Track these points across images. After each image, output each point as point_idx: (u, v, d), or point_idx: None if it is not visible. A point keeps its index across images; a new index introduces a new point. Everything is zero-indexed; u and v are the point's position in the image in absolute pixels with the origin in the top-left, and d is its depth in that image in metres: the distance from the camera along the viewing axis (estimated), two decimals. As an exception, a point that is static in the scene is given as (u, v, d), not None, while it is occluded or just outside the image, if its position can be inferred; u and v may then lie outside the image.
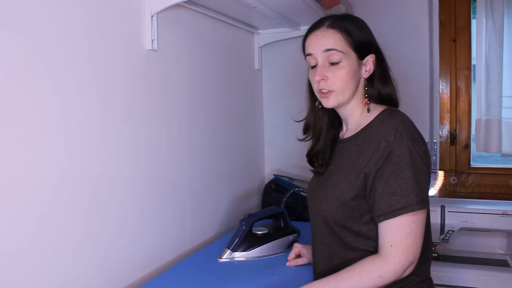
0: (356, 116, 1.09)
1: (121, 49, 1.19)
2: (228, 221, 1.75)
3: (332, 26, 1.04)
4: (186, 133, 1.49)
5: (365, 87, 1.08)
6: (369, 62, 1.06)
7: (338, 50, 1.02)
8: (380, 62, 1.08)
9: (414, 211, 0.95)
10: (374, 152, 0.98)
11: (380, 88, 1.08)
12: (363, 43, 1.05)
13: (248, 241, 1.37)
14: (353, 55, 1.04)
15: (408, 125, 1.01)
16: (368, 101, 1.07)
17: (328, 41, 1.03)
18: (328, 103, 1.07)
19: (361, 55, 1.05)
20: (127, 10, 1.21)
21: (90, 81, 1.08)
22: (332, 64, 1.03)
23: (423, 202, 0.96)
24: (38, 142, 0.95)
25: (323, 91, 1.05)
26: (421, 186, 0.96)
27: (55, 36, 0.99)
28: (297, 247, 1.33)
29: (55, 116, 0.99)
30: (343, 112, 1.11)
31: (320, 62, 1.05)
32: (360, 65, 1.06)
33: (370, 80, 1.08)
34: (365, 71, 1.07)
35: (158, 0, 1.26)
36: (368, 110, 1.07)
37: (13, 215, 0.90)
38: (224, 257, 1.35)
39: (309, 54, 1.06)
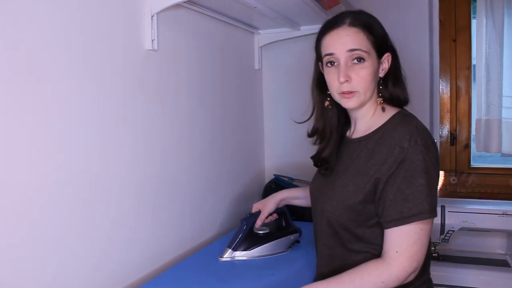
0: (368, 117, 1.07)
1: (121, 49, 1.19)
2: (228, 221, 1.75)
3: (354, 24, 1.00)
4: (186, 133, 1.49)
5: (379, 86, 1.05)
6: (386, 60, 1.04)
7: (362, 50, 0.99)
8: (394, 60, 1.06)
9: (425, 219, 0.94)
10: (387, 158, 0.96)
11: (392, 89, 1.05)
12: (382, 41, 1.03)
13: (249, 240, 1.37)
14: (374, 54, 1.01)
15: (422, 131, 0.99)
16: (382, 101, 1.05)
17: (352, 41, 0.99)
18: (349, 104, 1.03)
19: (380, 54, 1.02)
20: (127, 10, 1.21)
21: (90, 81, 1.08)
22: (355, 63, 0.99)
23: (434, 210, 0.95)
24: (36, 141, 0.95)
25: (346, 91, 1.01)
26: (433, 194, 0.95)
27: (55, 35, 0.98)
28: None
29: (54, 116, 0.99)
30: (356, 113, 1.08)
31: (342, 61, 1.00)
32: (379, 64, 1.03)
33: (383, 80, 1.05)
34: (382, 70, 1.04)
35: (158, 0, 1.26)
36: (383, 110, 1.05)
37: (11, 215, 0.90)
38: (225, 256, 1.35)
39: (330, 54, 1.01)
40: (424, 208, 0.93)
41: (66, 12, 1.01)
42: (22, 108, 0.91)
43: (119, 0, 1.18)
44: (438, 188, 1.90)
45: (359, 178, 1.01)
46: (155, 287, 1.17)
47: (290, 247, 1.44)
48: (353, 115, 1.10)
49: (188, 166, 1.50)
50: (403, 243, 0.94)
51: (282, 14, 1.69)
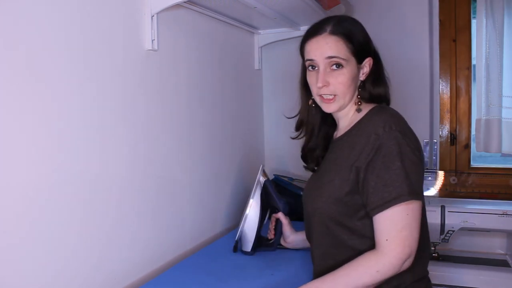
0: (349, 116, 1.11)
1: (121, 49, 1.19)
2: (228, 221, 1.75)
3: (334, 32, 1.04)
4: (186, 133, 1.49)
5: (358, 88, 1.09)
6: (367, 65, 1.08)
7: (340, 58, 1.03)
8: (375, 64, 1.10)
9: (405, 201, 0.95)
10: (365, 146, 0.99)
11: (371, 89, 1.09)
12: (362, 48, 1.06)
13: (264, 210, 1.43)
14: (353, 61, 1.05)
15: (397, 118, 1.02)
16: (360, 102, 1.09)
17: (331, 49, 1.03)
18: (329, 108, 1.08)
19: (359, 60, 1.07)
20: (127, 10, 1.21)
21: (90, 81, 1.08)
22: (334, 69, 1.04)
23: (414, 193, 0.96)
24: (36, 141, 0.95)
25: (326, 97, 1.06)
26: (412, 177, 0.96)
27: (55, 35, 0.99)
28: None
29: (54, 116, 0.99)
30: (337, 114, 1.13)
31: (321, 68, 1.05)
32: (358, 69, 1.07)
33: (363, 82, 1.10)
34: (362, 74, 1.09)
35: (158, 0, 1.26)
36: (359, 111, 1.08)
37: (11, 215, 0.90)
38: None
39: (310, 60, 1.07)
40: (403, 191, 0.95)
41: (66, 12, 1.01)
42: (22, 108, 0.91)
43: (119, 0, 1.18)
44: (438, 188, 1.92)
45: (343, 171, 1.03)
46: (155, 287, 1.17)
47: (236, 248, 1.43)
48: (336, 117, 1.15)
49: (188, 166, 1.50)
50: (392, 230, 0.95)
51: (282, 14, 1.69)
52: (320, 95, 1.07)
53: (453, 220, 1.70)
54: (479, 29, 1.86)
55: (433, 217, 1.67)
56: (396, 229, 0.95)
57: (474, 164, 2.01)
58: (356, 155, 1.01)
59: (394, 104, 1.14)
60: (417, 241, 0.97)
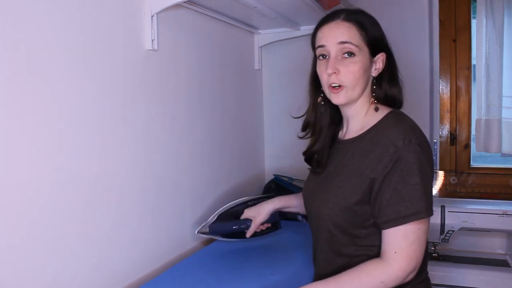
0: (361, 116, 1.07)
1: (121, 49, 1.19)
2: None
3: (347, 19, 1.02)
4: (186, 133, 1.49)
5: (372, 85, 1.06)
6: (380, 60, 1.05)
7: (353, 44, 1.00)
8: (390, 61, 1.07)
9: (422, 218, 0.94)
10: (382, 157, 0.96)
11: (387, 89, 1.06)
12: (376, 39, 1.04)
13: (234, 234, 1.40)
14: (366, 51, 1.02)
15: (416, 130, 1.00)
16: (375, 100, 1.06)
17: (343, 34, 1.01)
18: (338, 99, 1.04)
19: (373, 52, 1.03)
20: (127, 10, 1.21)
21: (90, 81, 1.08)
22: (345, 57, 1.01)
23: (430, 209, 0.95)
24: (36, 141, 0.95)
25: (334, 85, 1.02)
26: (428, 193, 0.95)
27: (55, 35, 0.99)
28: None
29: (54, 116, 0.99)
30: (348, 111, 1.09)
31: (332, 54, 1.01)
32: (371, 62, 1.04)
33: (378, 80, 1.06)
34: (375, 69, 1.05)
35: (158, 0, 1.26)
36: (376, 110, 1.05)
37: (11, 215, 0.90)
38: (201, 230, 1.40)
39: (321, 46, 1.03)
40: (421, 207, 0.93)
41: (66, 12, 1.01)
42: (22, 108, 0.91)
43: (119, 0, 1.18)
44: (438, 188, 1.92)
45: (354, 179, 1.00)
46: (155, 287, 1.17)
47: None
48: (345, 114, 1.11)
49: (188, 166, 1.50)
50: (402, 243, 0.94)
51: (282, 14, 1.69)
52: (330, 85, 1.03)
53: (453, 220, 1.71)
54: (479, 29, 1.86)
55: (433, 217, 1.64)
56: (406, 243, 0.94)
57: (474, 164, 2.01)
58: (371, 165, 0.98)
59: (394, 104, 1.13)
60: (423, 254, 0.97)
